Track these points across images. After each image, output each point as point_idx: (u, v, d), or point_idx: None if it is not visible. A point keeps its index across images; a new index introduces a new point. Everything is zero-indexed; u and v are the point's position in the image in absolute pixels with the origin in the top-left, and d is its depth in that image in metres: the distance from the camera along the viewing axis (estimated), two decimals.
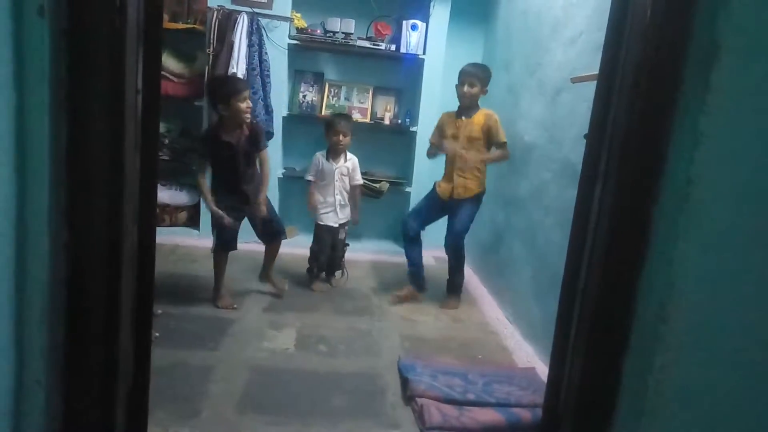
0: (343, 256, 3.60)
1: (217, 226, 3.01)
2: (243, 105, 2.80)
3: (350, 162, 3.50)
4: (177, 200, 4.14)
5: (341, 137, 3.37)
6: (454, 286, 3.44)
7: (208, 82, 3.07)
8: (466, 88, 3.18)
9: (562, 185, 2.59)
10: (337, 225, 3.49)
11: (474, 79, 3.18)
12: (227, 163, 2.90)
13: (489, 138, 3.21)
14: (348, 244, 3.63)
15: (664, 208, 1.18)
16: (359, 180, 3.57)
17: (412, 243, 3.45)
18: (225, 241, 3.05)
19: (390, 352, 2.68)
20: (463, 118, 3.24)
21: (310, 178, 3.48)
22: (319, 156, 3.47)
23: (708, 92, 1.10)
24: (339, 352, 2.63)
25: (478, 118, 3.21)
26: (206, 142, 2.94)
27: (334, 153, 3.45)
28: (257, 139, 2.97)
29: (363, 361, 2.57)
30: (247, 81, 3.41)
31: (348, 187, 3.51)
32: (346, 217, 3.54)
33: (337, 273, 3.62)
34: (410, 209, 3.58)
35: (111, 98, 1.12)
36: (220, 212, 2.91)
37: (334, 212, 3.47)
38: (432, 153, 3.41)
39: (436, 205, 3.40)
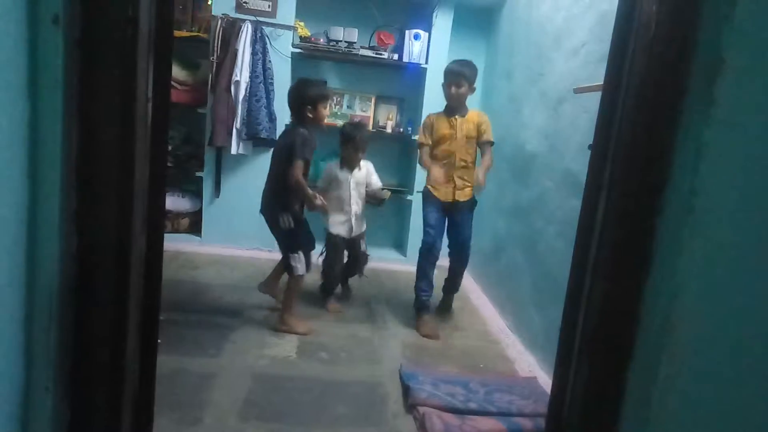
0: (364, 266, 3.46)
1: (305, 247, 2.92)
2: (326, 112, 2.90)
3: (365, 169, 3.36)
4: (179, 207, 4.15)
5: (361, 154, 3.27)
6: (456, 289, 3.43)
7: (297, 83, 2.94)
8: (454, 89, 3.14)
9: (564, 195, 2.60)
10: (350, 237, 3.31)
11: (462, 79, 3.12)
12: (306, 169, 2.87)
13: (478, 136, 3.17)
14: (369, 255, 3.49)
15: (669, 219, 1.19)
16: (378, 183, 3.43)
17: (434, 263, 3.23)
18: (309, 263, 2.98)
19: (391, 360, 2.68)
20: (457, 117, 3.16)
21: (320, 184, 3.36)
22: (333, 166, 3.34)
23: (712, 105, 1.11)
24: (340, 360, 2.63)
25: (473, 116, 3.19)
26: (311, 144, 2.82)
27: (348, 163, 3.29)
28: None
29: (364, 370, 2.57)
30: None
31: (364, 196, 3.36)
32: (362, 228, 3.39)
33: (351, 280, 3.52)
34: (429, 229, 3.16)
35: (122, 106, 1.13)
36: (318, 199, 2.84)
37: (349, 223, 3.30)
38: (428, 161, 3.20)
39: (442, 213, 3.21)
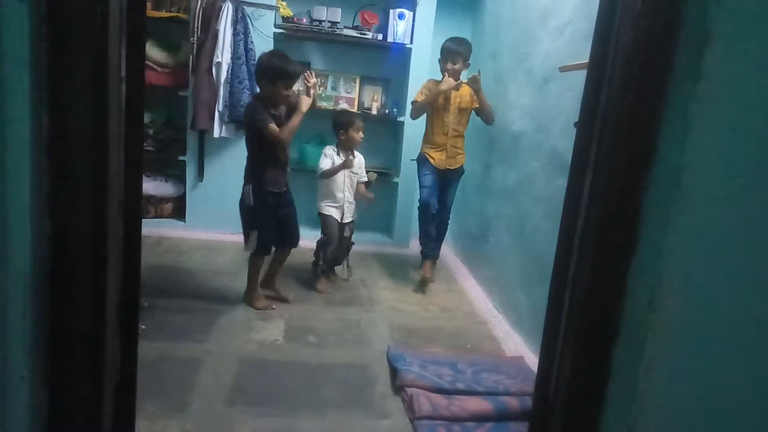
0: (347, 252, 3.49)
1: (260, 227, 2.89)
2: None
3: (358, 158, 3.40)
4: (162, 191, 4.09)
5: (361, 134, 3.30)
6: (436, 255, 3.64)
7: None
8: (450, 65, 3.35)
9: (551, 175, 2.59)
10: (341, 222, 3.34)
11: (457, 57, 3.34)
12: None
13: (473, 104, 3.43)
14: (353, 243, 3.51)
15: (655, 196, 1.18)
16: (365, 177, 3.48)
17: (432, 219, 3.49)
18: (266, 244, 2.95)
19: (379, 342, 2.68)
20: (452, 90, 3.37)
21: (324, 165, 3.30)
22: (332, 151, 3.31)
23: (699, 80, 1.10)
24: (328, 343, 2.63)
25: (465, 89, 3.40)
26: (261, 110, 2.80)
27: (345, 149, 3.31)
28: None
29: (352, 352, 2.57)
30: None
31: (355, 184, 3.40)
32: (352, 216, 3.43)
33: (337, 269, 3.53)
34: (424, 189, 3.43)
35: (94, 85, 1.08)
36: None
37: (340, 209, 3.33)
38: (421, 111, 3.43)
39: (436, 176, 3.45)
